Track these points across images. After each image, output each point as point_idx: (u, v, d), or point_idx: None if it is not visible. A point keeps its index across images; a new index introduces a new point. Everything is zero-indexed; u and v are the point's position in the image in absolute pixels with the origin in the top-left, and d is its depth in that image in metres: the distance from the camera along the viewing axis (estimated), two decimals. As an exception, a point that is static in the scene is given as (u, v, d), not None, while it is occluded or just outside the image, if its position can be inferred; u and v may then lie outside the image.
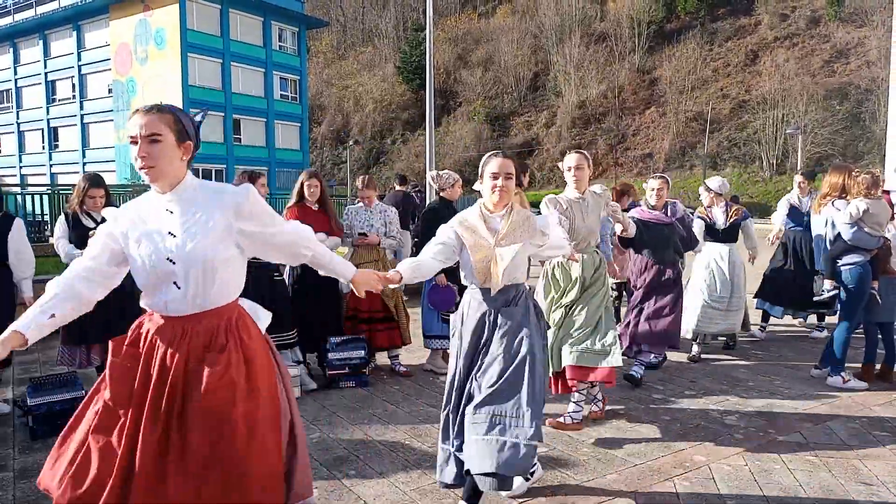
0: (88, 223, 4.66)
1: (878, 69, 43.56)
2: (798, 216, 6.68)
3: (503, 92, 61.44)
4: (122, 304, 4.65)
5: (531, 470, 3.20)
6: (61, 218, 4.73)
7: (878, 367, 5.20)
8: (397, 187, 10.28)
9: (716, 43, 55.33)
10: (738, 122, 49.11)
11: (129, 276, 5.10)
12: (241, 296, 2.25)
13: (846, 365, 5.07)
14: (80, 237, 4.59)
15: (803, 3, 54.39)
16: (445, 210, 5.47)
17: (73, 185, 4.90)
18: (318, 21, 48.66)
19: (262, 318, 2.38)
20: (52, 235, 13.72)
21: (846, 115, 45.27)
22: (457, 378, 3.01)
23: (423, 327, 5.53)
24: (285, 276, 5.31)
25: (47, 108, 43.55)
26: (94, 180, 4.74)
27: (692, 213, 6.21)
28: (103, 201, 4.70)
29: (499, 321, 2.97)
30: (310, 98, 51.93)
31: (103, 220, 4.60)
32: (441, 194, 5.52)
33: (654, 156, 47.20)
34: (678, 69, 53.02)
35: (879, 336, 5.20)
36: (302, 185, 5.25)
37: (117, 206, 4.85)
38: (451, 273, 4.94)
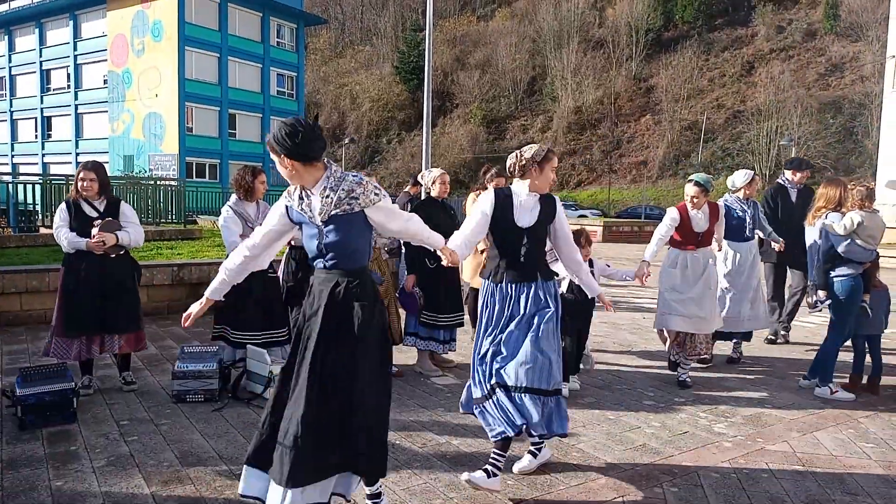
0: (90, 212, 4.54)
1: (872, 84, 43.95)
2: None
3: (500, 95, 61.58)
4: (120, 296, 4.62)
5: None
6: (62, 206, 4.55)
7: (863, 379, 5.25)
8: (408, 188, 9.56)
9: (712, 53, 55.65)
10: (733, 133, 49.40)
11: (133, 273, 5.00)
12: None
13: (834, 376, 5.12)
14: (81, 225, 4.47)
15: (800, 17, 54.82)
16: (431, 207, 5.42)
17: (66, 175, 4.84)
18: (316, 18, 48.66)
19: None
20: (43, 225, 13.65)
21: (839, 128, 45.65)
22: None
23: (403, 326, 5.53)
24: (279, 274, 5.31)
25: (41, 97, 43.30)
26: (87, 164, 4.58)
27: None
28: (95, 186, 4.52)
29: None
30: (306, 95, 51.85)
31: (106, 208, 4.56)
32: (429, 193, 5.53)
33: (648, 163, 47.35)
34: (674, 78, 53.30)
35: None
36: None
37: (116, 196, 4.77)
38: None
